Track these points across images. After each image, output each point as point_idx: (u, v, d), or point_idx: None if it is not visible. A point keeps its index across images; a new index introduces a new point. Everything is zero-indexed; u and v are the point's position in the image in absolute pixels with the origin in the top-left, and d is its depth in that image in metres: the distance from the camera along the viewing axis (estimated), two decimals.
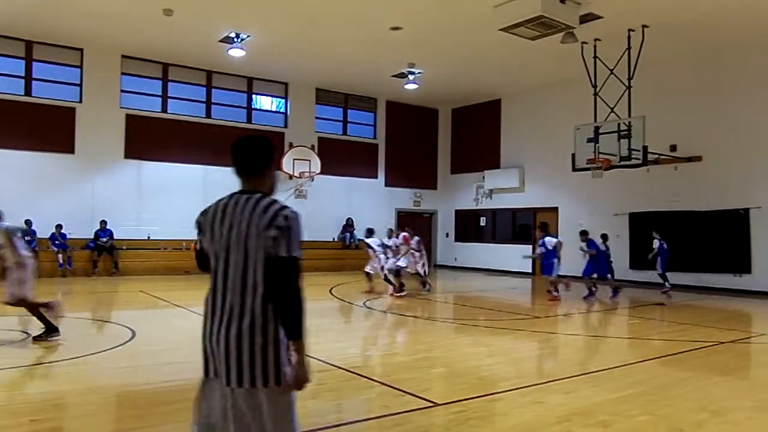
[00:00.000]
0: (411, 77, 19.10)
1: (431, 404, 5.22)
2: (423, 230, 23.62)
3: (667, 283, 14.95)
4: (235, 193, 2.72)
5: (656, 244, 14.99)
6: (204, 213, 2.78)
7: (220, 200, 2.75)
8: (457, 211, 23.95)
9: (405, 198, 23.48)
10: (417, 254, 14.22)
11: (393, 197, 23.07)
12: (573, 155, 16.29)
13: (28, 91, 16.83)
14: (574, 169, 16.43)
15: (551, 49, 15.47)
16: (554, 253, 13.31)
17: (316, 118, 21.43)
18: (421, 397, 5.37)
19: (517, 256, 21.14)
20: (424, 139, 24.05)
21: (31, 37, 16.57)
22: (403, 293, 13.38)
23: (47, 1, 13.98)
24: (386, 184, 22.90)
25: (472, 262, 22.78)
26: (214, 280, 2.66)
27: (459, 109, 23.95)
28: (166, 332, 9.04)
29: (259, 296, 2.52)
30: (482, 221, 22.94)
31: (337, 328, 10.02)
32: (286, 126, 20.80)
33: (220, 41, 16.27)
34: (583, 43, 15.36)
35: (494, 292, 15.89)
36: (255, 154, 2.76)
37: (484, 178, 22.35)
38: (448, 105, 23.95)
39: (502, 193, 21.93)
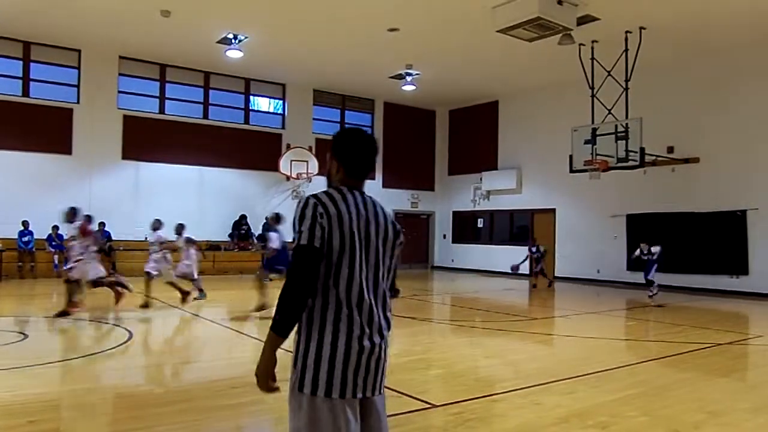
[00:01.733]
0: (408, 78, 19.11)
1: (429, 406, 5.22)
2: (420, 231, 23.64)
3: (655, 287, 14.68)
4: (353, 189, 2.45)
5: (657, 249, 14.78)
6: (328, 203, 2.35)
7: (341, 193, 2.40)
8: (454, 213, 23.96)
9: (402, 199, 23.48)
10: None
11: (390, 198, 23.03)
12: (570, 157, 16.32)
13: (25, 92, 16.81)
14: (572, 171, 16.46)
15: (549, 51, 15.50)
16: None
17: (314, 119, 21.44)
18: (419, 399, 5.37)
19: (515, 257, 21.22)
20: (421, 140, 24.06)
21: (29, 38, 16.54)
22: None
23: (46, 1, 13.97)
24: (384, 186, 22.90)
25: (469, 263, 22.79)
26: (362, 283, 2.34)
27: (456, 111, 23.97)
28: (163, 333, 9.02)
29: (389, 303, 2.49)
30: (480, 222, 22.95)
31: None
32: (283, 127, 20.79)
33: (218, 42, 16.25)
34: (580, 44, 15.39)
35: (491, 294, 15.90)
36: (376, 154, 2.54)
37: (481, 179, 22.36)
38: (446, 106, 23.97)
39: (499, 194, 21.94)
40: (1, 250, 15.53)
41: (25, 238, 16.05)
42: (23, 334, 8.61)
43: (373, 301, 2.36)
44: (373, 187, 22.30)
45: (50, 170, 16.87)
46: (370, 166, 2.51)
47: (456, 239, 23.73)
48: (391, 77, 19.41)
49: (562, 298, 13.69)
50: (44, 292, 13.92)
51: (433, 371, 6.85)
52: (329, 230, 2.28)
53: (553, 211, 20.10)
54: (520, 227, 21.61)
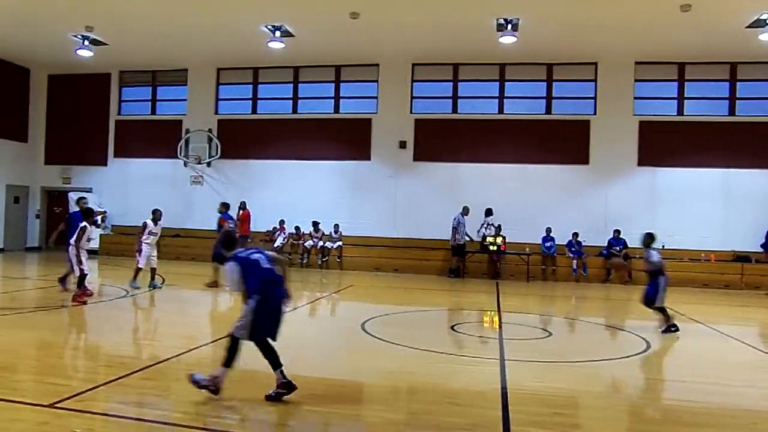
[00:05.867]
0: None
1: None
2: None
3: None
4: None
5: None
6: None
7: None
8: None
9: None
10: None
11: None
12: None
13: (549, 110, 18.32)
14: None
15: None
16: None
17: None
18: None
19: None
20: None
21: (551, 60, 17.97)
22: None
23: (565, 24, 14.98)
24: None
25: None
26: None
27: None
28: (684, 348, 8.29)
29: None
30: None
31: None
32: None
33: (748, 27, 14.39)
34: None
35: None
36: None
37: None
38: None
39: None
40: (529, 253, 17.20)
41: (548, 244, 17.39)
42: (547, 331, 9.18)
43: None
44: None
45: (569, 180, 17.93)
46: None
47: None
48: None
49: None
50: (564, 295, 14.75)
51: None
52: None
53: None
54: None
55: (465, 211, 16.98)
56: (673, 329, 8.81)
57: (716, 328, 9.71)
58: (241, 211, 17.20)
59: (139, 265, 11.77)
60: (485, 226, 17.26)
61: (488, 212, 17.28)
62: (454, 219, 16.84)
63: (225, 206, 13.63)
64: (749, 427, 4.75)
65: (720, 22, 14.34)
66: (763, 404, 5.41)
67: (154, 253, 12.01)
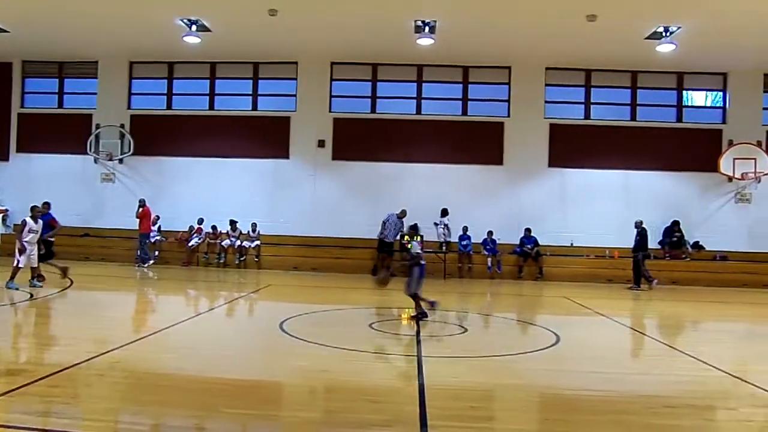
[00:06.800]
0: None
1: None
2: None
3: None
4: None
5: None
6: None
7: None
8: None
9: None
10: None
11: None
12: None
13: (465, 111, 18.79)
14: None
15: None
16: None
17: (765, 108, 18.30)
18: None
19: None
20: None
21: (467, 63, 18.44)
22: None
23: (480, 28, 15.44)
24: None
25: None
26: None
27: None
28: (590, 340, 8.74)
29: None
30: None
31: None
32: (724, 122, 18.34)
33: (647, 38, 15.33)
34: None
35: None
36: None
37: None
38: None
39: None
40: (446, 251, 17.58)
41: (464, 242, 17.84)
42: (463, 327, 9.45)
43: None
44: None
45: (484, 180, 18.50)
46: None
47: None
48: None
49: None
50: (480, 291, 15.18)
51: None
52: None
53: None
54: None
55: (402, 213, 17.04)
56: (422, 317, 9.13)
57: (619, 321, 10.31)
58: (140, 209, 16.75)
59: (20, 265, 11.04)
60: (442, 226, 17.49)
61: (444, 212, 17.52)
62: (388, 215, 17.04)
63: (46, 206, 12.46)
64: (643, 411, 5.06)
65: (622, 33, 15.21)
66: (656, 389, 5.80)
67: (35, 252, 11.35)
